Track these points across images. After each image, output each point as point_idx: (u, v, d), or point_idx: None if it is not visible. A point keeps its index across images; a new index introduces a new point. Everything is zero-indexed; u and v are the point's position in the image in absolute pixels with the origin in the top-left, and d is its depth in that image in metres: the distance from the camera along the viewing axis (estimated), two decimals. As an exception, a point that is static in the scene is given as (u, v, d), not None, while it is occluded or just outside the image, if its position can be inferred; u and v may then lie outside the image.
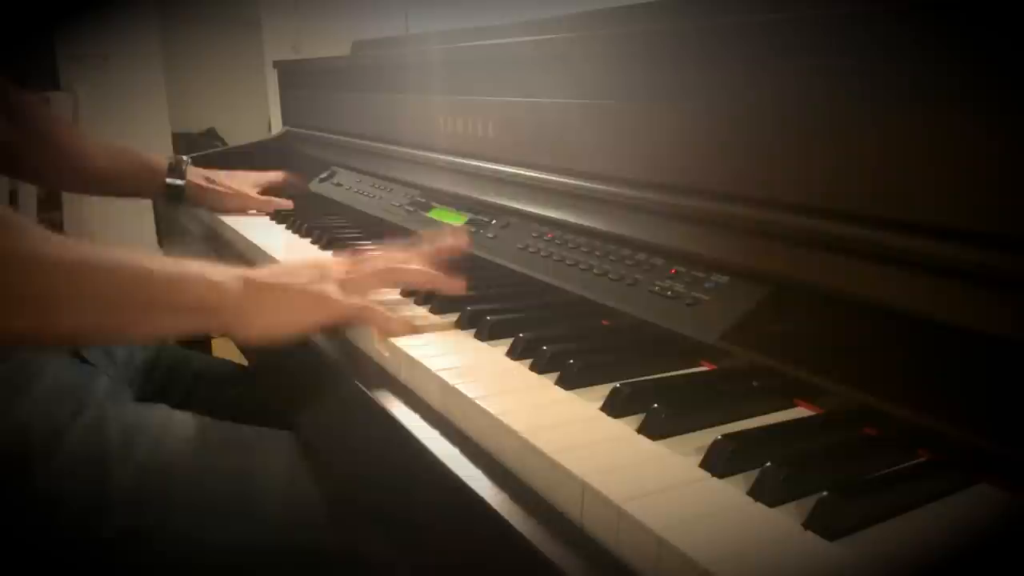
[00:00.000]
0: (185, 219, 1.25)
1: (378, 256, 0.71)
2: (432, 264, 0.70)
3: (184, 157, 1.19)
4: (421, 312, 0.66)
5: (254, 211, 1.19)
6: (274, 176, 1.29)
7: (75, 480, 0.65)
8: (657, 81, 0.67)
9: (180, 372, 1.01)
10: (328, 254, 0.72)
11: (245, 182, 1.23)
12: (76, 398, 0.72)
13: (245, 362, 0.99)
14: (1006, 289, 0.42)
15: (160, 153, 1.20)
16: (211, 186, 1.19)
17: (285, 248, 0.93)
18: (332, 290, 0.63)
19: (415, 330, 0.61)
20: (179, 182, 1.17)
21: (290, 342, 0.62)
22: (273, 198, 1.21)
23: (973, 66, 0.45)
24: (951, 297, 0.43)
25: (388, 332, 0.60)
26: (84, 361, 0.83)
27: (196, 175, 1.19)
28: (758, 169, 0.57)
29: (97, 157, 1.12)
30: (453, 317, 0.64)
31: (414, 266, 0.69)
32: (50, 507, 0.64)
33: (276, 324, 0.61)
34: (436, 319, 0.65)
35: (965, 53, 0.45)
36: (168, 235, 1.39)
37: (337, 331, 0.65)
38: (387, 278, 0.68)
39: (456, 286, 0.67)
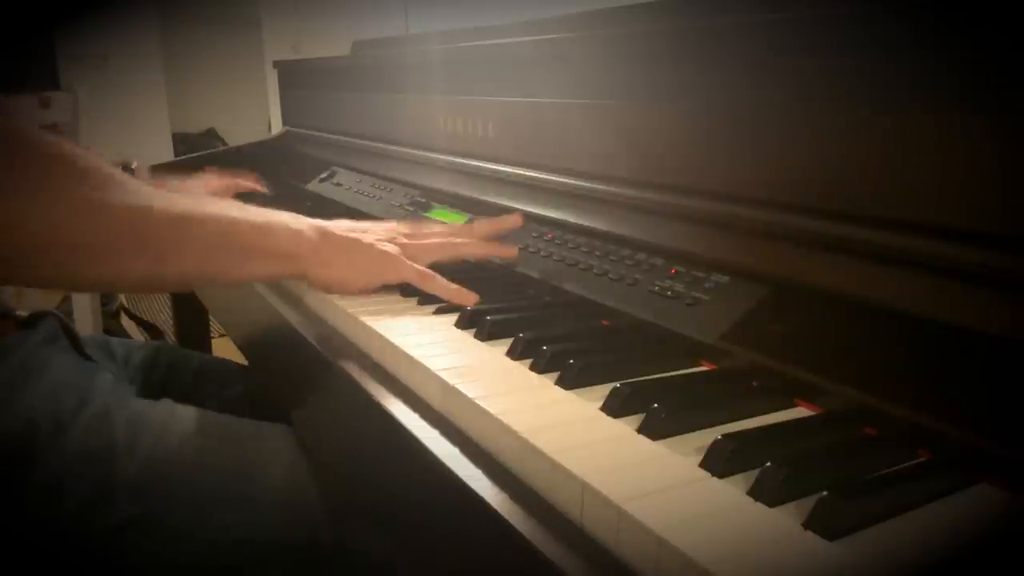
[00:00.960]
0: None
1: (438, 229, 0.76)
2: (488, 239, 0.75)
3: (133, 164, 1.20)
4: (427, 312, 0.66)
5: None
6: (220, 183, 1.28)
7: (79, 471, 0.66)
8: (657, 81, 0.67)
9: (179, 370, 1.01)
10: (400, 226, 0.75)
11: (190, 190, 1.22)
12: (79, 393, 0.72)
13: (245, 361, 0.99)
14: (1006, 289, 0.42)
15: (110, 159, 1.20)
16: None
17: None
18: (397, 252, 0.68)
19: (470, 300, 0.66)
20: None
21: (362, 294, 0.68)
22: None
23: (973, 66, 0.45)
24: (951, 297, 0.43)
25: (452, 299, 0.66)
26: (87, 358, 0.83)
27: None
28: (758, 169, 0.57)
29: None
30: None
31: (471, 242, 0.73)
32: (54, 497, 0.65)
33: (348, 275, 0.67)
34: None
35: (965, 53, 0.45)
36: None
37: (334, 337, 0.66)
38: (445, 251, 0.73)
39: (509, 252, 0.73)
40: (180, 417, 0.75)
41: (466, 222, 0.77)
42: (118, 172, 0.59)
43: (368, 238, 0.68)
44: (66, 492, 0.65)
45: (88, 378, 0.76)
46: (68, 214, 0.55)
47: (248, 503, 0.70)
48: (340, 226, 0.70)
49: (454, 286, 0.67)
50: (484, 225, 0.77)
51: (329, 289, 0.67)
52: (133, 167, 1.20)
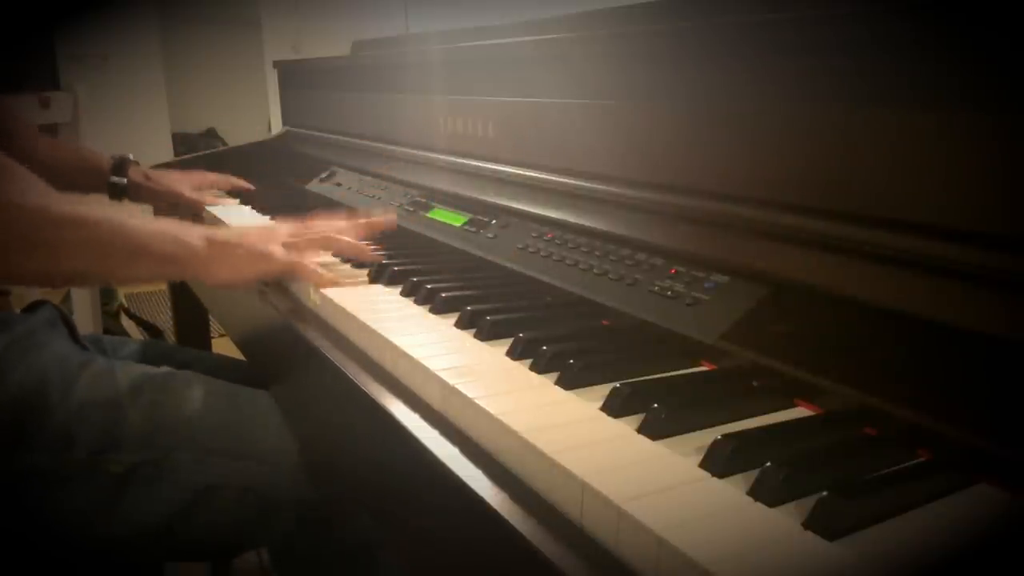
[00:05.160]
0: (183, 219, 1.25)
1: (320, 225, 0.83)
2: (364, 237, 0.84)
3: (129, 156, 1.23)
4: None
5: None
6: (216, 177, 1.32)
7: (86, 422, 0.71)
8: (657, 81, 0.67)
9: (172, 364, 1.01)
10: (283, 226, 0.83)
11: (183, 182, 1.27)
12: (82, 359, 0.77)
13: (241, 357, 0.99)
14: (1006, 289, 0.42)
15: (108, 153, 1.23)
16: (147, 184, 1.24)
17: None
18: (276, 249, 0.76)
19: (337, 283, 0.74)
20: (121, 181, 1.21)
21: (242, 288, 0.77)
22: (207, 197, 1.25)
23: (973, 66, 0.45)
24: (951, 297, 0.43)
25: (317, 283, 0.73)
26: (84, 348, 0.85)
27: (138, 174, 1.24)
28: (758, 169, 0.57)
29: (39, 152, 1.14)
30: (365, 272, 0.78)
31: (346, 238, 0.81)
32: (65, 446, 0.69)
33: (230, 274, 0.74)
34: (354, 271, 0.81)
35: (965, 53, 0.45)
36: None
37: (333, 337, 0.66)
38: (324, 245, 0.81)
39: (375, 257, 0.81)
40: (179, 377, 0.80)
41: (347, 222, 0.84)
42: (11, 164, 0.63)
43: (250, 239, 0.76)
44: (76, 441, 0.70)
45: (85, 357, 0.79)
46: None
47: (245, 457, 0.74)
48: (227, 232, 0.77)
49: (326, 274, 0.75)
50: (361, 226, 0.84)
51: (216, 286, 0.75)
52: (133, 161, 1.21)
